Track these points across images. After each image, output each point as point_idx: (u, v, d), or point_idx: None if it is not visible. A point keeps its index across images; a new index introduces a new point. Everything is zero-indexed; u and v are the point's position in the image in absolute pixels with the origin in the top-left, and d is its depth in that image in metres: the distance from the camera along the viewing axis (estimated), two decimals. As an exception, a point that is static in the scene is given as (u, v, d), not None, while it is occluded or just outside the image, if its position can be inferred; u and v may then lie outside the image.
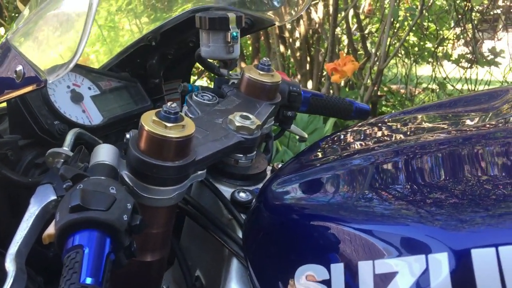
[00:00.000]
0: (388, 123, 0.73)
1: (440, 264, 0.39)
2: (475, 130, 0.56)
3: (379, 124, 0.75)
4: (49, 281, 0.77)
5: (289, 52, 4.02)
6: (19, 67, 0.63)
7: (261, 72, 0.85)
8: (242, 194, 0.73)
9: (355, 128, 0.76)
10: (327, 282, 0.46)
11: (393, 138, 0.65)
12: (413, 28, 3.75)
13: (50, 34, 0.70)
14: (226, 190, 0.74)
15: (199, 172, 0.67)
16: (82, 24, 0.54)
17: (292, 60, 4.06)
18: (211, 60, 0.97)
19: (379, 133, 0.70)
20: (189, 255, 0.78)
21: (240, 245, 0.64)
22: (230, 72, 0.98)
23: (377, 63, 3.16)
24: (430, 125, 0.65)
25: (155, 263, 0.68)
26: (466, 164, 0.49)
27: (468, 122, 0.62)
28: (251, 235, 0.62)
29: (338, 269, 0.46)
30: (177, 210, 0.75)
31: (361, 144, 0.66)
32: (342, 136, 0.74)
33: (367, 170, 0.54)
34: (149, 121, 0.60)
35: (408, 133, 0.65)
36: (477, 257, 0.38)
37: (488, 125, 0.57)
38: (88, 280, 0.47)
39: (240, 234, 0.67)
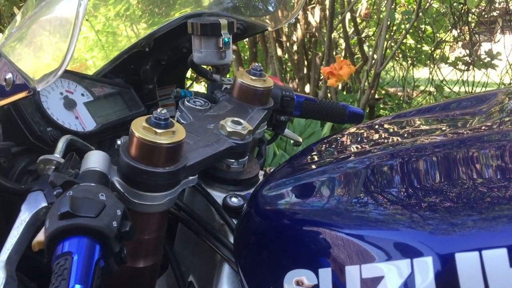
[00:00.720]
0: (382, 126, 0.73)
1: (425, 268, 0.39)
2: (468, 134, 0.57)
3: (373, 127, 0.75)
4: (43, 287, 0.77)
5: (286, 56, 4.03)
6: (9, 75, 0.63)
7: (253, 77, 0.85)
8: (234, 199, 0.73)
9: (349, 131, 0.76)
10: (316, 287, 0.46)
11: (387, 141, 0.65)
12: (410, 31, 3.76)
13: (40, 41, 0.70)
14: (218, 195, 0.74)
15: (191, 178, 0.67)
16: (71, 31, 0.55)
17: (289, 64, 4.07)
18: (204, 66, 0.97)
19: (373, 136, 0.70)
20: (182, 260, 0.78)
21: (232, 250, 0.65)
22: (224, 77, 0.98)
23: (374, 66, 3.17)
24: (424, 127, 0.65)
25: (148, 269, 0.68)
26: (453, 169, 0.49)
27: (461, 125, 0.62)
28: (242, 240, 0.62)
29: (326, 274, 0.46)
30: (170, 216, 0.75)
31: (354, 148, 0.66)
32: (335, 140, 0.74)
33: (359, 174, 0.55)
34: (139, 128, 0.60)
35: (402, 136, 0.65)
36: (461, 261, 0.38)
37: (481, 129, 0.57)
38: (77, 287, 0.47)
39: (231, 239, 0.67)
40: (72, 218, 0.51)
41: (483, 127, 0.56)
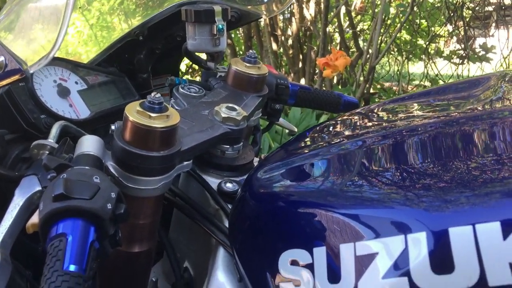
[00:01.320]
0: (375, 111, 0.73)
1: (419, 243, 0.39)
2: (460, 115, 0.57)
3: (367, 112, 0.75)
4: (38, 275, 0.77)
5: (281, 50, 4.03)
6: (1, 58, 0.63)
7: (248, 65, 0.85)
8: (228, 185, 0.73)
9: (343, 118, 0.76)
10: (310, 266, 0.46)
11: (380, 124, 0.65)
12: (405, 25, 3.77)
13: (31, 25, 0.69)
14: (213, 181, 0.74)
15: (185, 163, 0.67)
16: (62, 13, 0.54)
17: (284, 58, 4.06)
18: (199, 54, 0.97)
19: (367, 120, 0.70)
20: (177, 247, 0.78)
21: (227, 234, 0.65)
22: (218, 65, 0.98)
23: (369, 60, 3.17)
24: (417, 111, 0.65)
25: (143, 254, 0.68)
26: (446, 147, 0.49)
27: (453, 107, 0.62)
28: (237, 224, 0.62)
29: (320, 252, 0.46)
30: (165, 202, 0.75)
31: (348, 131, 0.67)
32: (329, 126, 0.74)
33: (352, 155, 0.55)
34: (133, 112, 0.60)
35: (395, 119, 0.65)
36: (455, 235, 0.38)
37: (472, 110, 0.58)
38: (72, 267, 0.47)
39: (227, 224, 0.67)
40: (66, 200, 0.51)
41: (476, 108, 0.56)
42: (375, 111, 0.71)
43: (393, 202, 0.45)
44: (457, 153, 0.48)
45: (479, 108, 0.56)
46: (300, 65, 3.91)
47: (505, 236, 0.36)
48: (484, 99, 0.58)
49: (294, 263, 0.48)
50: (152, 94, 0.61)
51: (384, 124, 0.63)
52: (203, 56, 0.99)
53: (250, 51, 0.87)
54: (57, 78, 0.88)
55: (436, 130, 0.52)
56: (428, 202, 0.42)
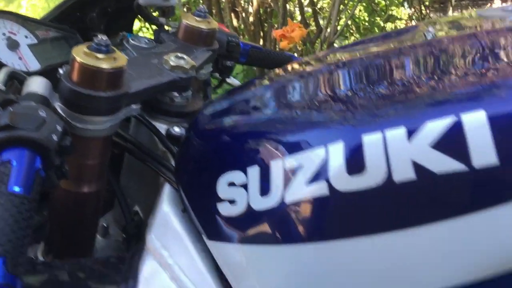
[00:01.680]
0: (320, 55, 0.77)
1: (337, 151, 0.44)
2: (392, 48, 0.62)
3: (314, 57, 0.79)
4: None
5: (242, 26, 4.04)
6: None
7: (198, 19, 0.88)
8: (176, 129, 0.76)
9: (291, 65, 0.79)
10: (245, 185, 0.50)
11: (320, 62, 0.69)
12: (364, 4, 3.84)
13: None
14: (162, 127, 0.77)
15: (133, 106, 0.69)
16: None
17: (245, 34, 4.08)
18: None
19: (311, 63, 0.73)
20: (127, 193, 0.81)
21: (173, 173, 0.68)
22: (171, 22, 1.00)
23: (328, 37, 3.23)
24: (360, 49, 0.69)
25: (92, 195, 0.70)
26: (370, 73, 0.54)
27: (384, 45, 0.67)
28: (182, 161, 0.65)
29: (254, 171, 0.49)
30: (116, 151, 0.77)
31: (295, 70, 0.70)
32: (275, 71, 0.77)
33: (289, 87, 0.58)
34: (80, 53, 0.62)
35: (334, 58, 0.69)
36: (367, 141, 0.43)
37: (399, 43, 0.63)
38: (16, 189, 0.49)
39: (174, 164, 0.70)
40: (12, 130, 0.52)
41: (402, 42, 0.62)
42: (320, 54, 0.75)
43: (317, 119, 0.49)
44: (377, 77, 0.53)
45: (411, 41, 0.61)
46: (261, 42, 3.94)
47: (409, 138, 0.41)
48: (415, 37, 0.64)
49: (231, 184, 0.52)
50: (99, 36, 0.63)
51: (324, 61, 0.67)
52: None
53: (201, 6, 0.89)
54: (6, 31, 0.88)
55: (366, 61, 0.56)
56: (347, 116, 0.46)
